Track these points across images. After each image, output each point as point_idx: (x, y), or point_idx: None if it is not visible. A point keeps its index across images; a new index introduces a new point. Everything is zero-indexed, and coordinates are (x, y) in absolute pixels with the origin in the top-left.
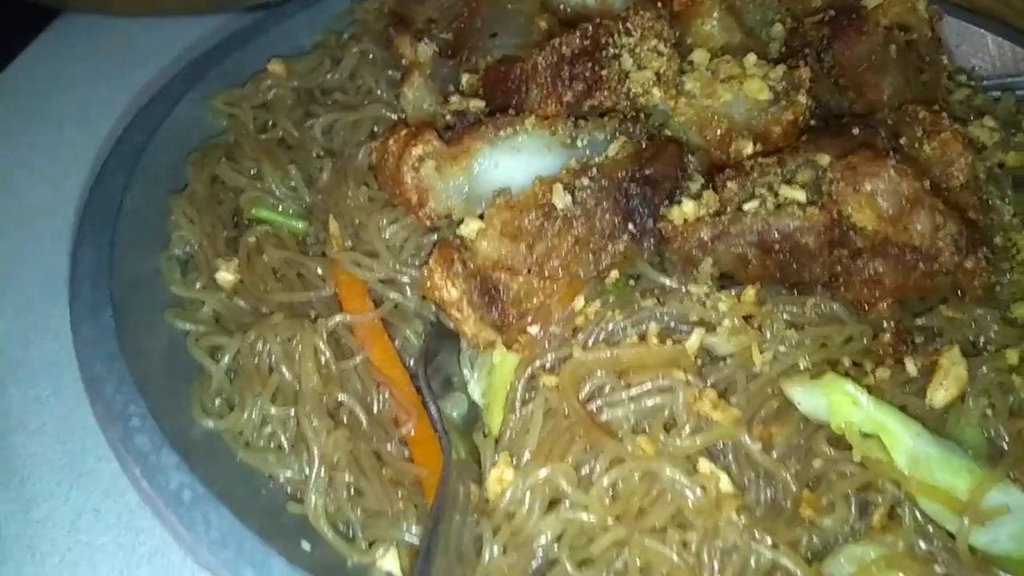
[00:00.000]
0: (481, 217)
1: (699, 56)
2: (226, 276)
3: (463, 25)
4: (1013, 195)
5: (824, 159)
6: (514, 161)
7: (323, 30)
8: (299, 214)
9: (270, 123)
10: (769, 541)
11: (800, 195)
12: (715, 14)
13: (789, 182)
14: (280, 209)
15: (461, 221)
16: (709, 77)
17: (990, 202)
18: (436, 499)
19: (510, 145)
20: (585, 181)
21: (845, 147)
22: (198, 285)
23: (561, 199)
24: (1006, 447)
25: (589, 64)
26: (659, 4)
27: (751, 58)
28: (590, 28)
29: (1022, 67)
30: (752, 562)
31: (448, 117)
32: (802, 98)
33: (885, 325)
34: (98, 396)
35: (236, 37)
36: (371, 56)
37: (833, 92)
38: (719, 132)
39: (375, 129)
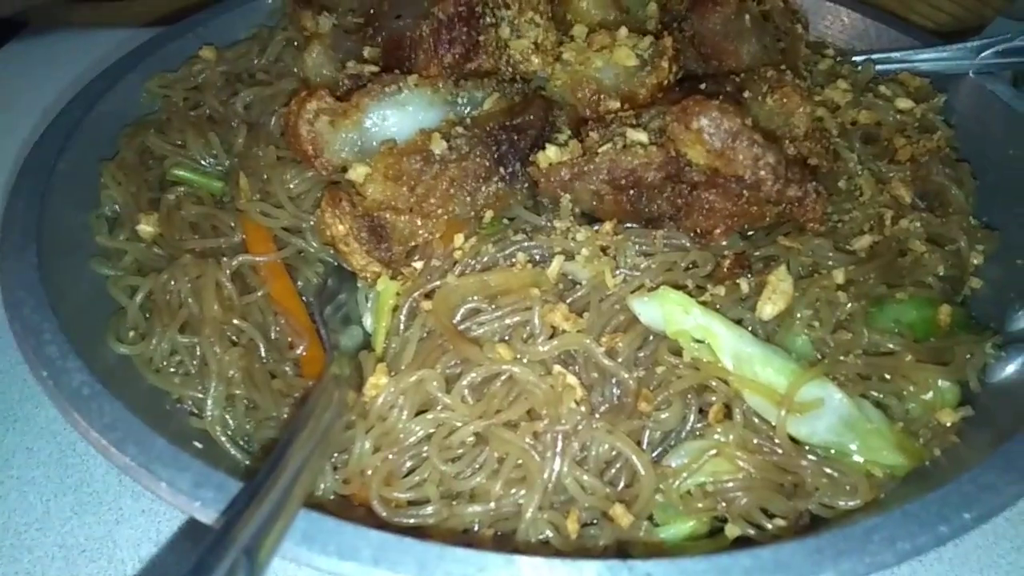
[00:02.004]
0: (368, 164)
1: (578, 31)
2: (146, 228)
3: (372, 11)
4: (861, 147)
5: (674, 110)
6: (400, 116)
7: (257, 25)
8: (215, 175)
9: (200, 103)
10: (601, 427)
11: (643, 136)
12: None
13: (636, 127)
14: (200, 170)
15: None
16: (583, 47)
17: (838, 152)
18: (308, 392)
19: (396, 101)
20: (460, 130)
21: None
22: (122, 237)
23: (438, 145)
24: (828, 353)
25: (465, 30)
26: None
27: (623, 31)
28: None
29: (883, 41)
30: (593, 449)
31: (346, 81)
32: (665, 63)
33: (726, 253)
34: (16, 315)
35: (177, 30)
36: (295, 43)
37: (698, 60)
38: (589, 93)
39: (285, 104)
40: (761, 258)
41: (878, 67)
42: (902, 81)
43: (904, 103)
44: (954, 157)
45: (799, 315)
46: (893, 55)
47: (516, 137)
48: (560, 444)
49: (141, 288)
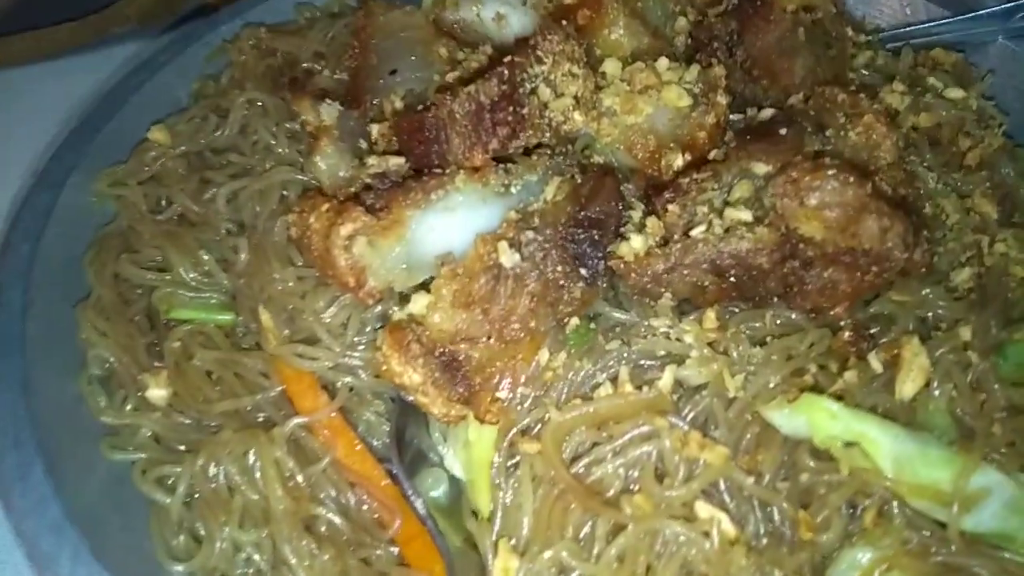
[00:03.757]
0: (427, 288)
1: (611, 67)
2: (157, 392)
3: (356, 62)
4: (932, 157)
5: (760, 168)
6: (450, 220)
7: (198, 76)
8: (221, 304)
9: (163, 200)
10: (778, 574)
11: (746, 215)
12: (620, 21)
13: (731, 203)
14: (199, 302)
15: (406, 295)
16: (626, 91)
17: (914, 171)
18: None
19: (443, 206)
20: (530, 234)
21: (779, 154)
22: (128, 407)
23: (508, 258)
24: (972, 424)
25: (510, 108)
26: (562, 22)
27: (663, 63)
28: (506, 72)
29: (908, 13)
30: None
31: (368, 180)
32: (721, 98)
33: (842, 323)
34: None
35: (108, 101)
36: (260, 104)
37: (747, 82)
38: (647, 150)
39: (285, 193)
40: (876, 319)
41: (899, 44)
42: (936, 60)
43: (954, 92)
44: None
45: (938, 389)
46: (913, 27)
47: (594, 232)
48: None
49: (180, 480)
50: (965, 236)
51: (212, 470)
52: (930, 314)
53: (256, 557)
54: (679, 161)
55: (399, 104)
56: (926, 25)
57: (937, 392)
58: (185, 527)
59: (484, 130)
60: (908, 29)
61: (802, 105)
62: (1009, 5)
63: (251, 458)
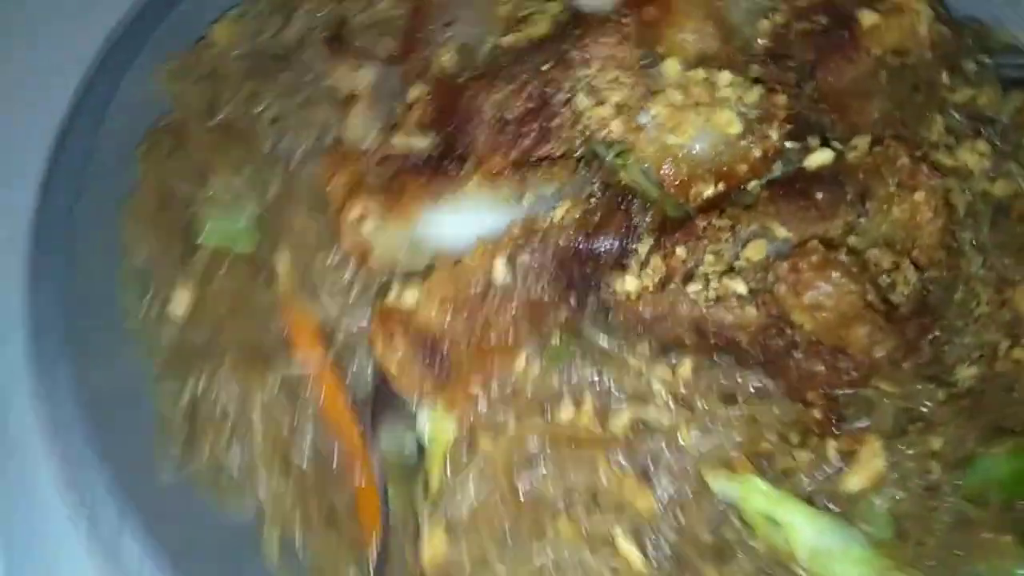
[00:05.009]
0: (422, 279)
1: (670, 68)
2: (177, 309)
3: (411, 21)
4: (990, 232)
5: (780, 232)
6: (457, 218)
7: None
8: (247, 229)
9: (216, 103)
10: None
11: (741, 288)
12: (690, 26)
13: (739, 259)
14: (227, 223)
15: (403, 279)
16: (676, 105)
17: (961, 248)
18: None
19: (452, 207)
20: (526, 257)
21: (805, 222)
22: (153, 313)
23: (501, 274)
24: (909, 529)
25: (536, 125)
26: (622, 21)
27: (725, 77)
28: (534, 89)
29: None
30: None
31: (388, 159)
32: (773, 133)
33: (812, 399)
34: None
35: None
36: (315, 30)
37: (813, 110)
38: (681, 176)
39: (318, 139)
40: (853, 401)
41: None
42: None
43: None
44: None
45: (886, 493)
46: None
47: (593, 265)
48: None
49: (182, 396)
50: (988, 332)
51: (211, 395)
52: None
53: (236, 477)
54: (709, 191)
55: (448, 61)
56: None
57: (882, 494)
58: (183, 438)
59: (507, 139)
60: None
61: (861, 154)
62: None
63: (245, 390)
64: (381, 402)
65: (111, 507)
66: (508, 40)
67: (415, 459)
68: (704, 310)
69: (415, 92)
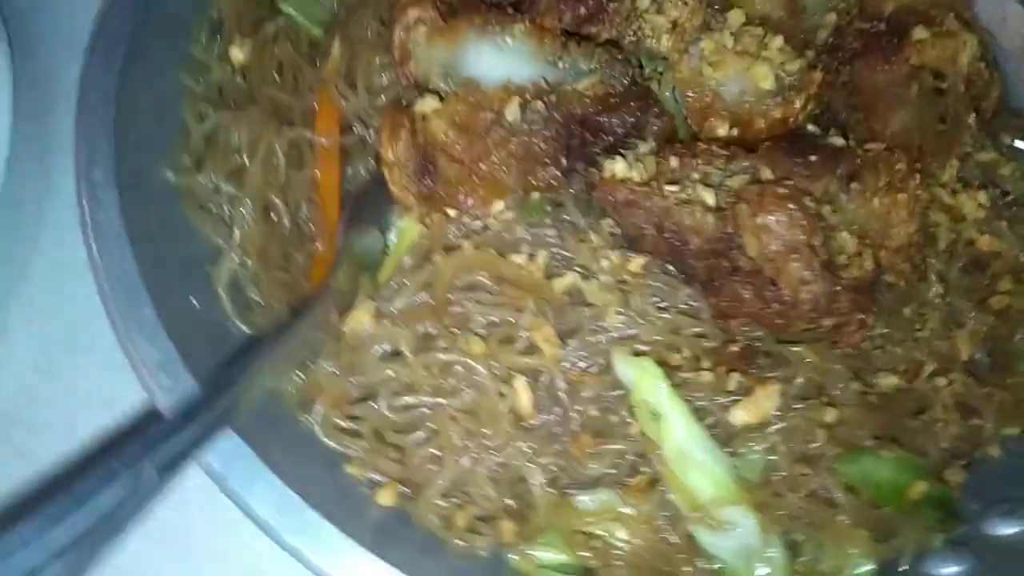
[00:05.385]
0: (442, 99)
1: (734, 16)
2: (238, 55)
3: None
4: (958, 274)
5: (766, 173)
6: (496, 57)
7: None
8: (321, 19)
9: None
10: (523, 450)
11: (711, 199)
12: None
13: (708, 184)
14: (308, 8)
15: (425, 91)
16: (726, 46)
17: (927, 273)
18: (302, 303)
19: (496, 42)
20: (539, 105)
21: (789, 175)
22: (215, 53)
23: (512, 113)
24: (774, 480)
25: None
26: None
27: (778, 41)
28: None
29: None
30: (510, 465)
31: None
32: (798, 102)
33: (739, 337)
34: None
35: None
36: None
37: (845, 107)
38: (701, 104)
39: None
40: (771, 356)
41: None
42: None
43: None
44: None
45: (768, 438)
46: None
47: (592, 137)
48: (480, 452)
49: (208, 120)
50: (919, 353)
51: (231, 130)
52: (822, 388)
53: (224, 205)
54: (722, 131)
55: None
56: None
57: (764, 437)
58: (195, 156)
59: (566, 2)
60: None
61: (870, 155)
62: None
63: (259, 134)
64: (367, 198)
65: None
66: None
67: (374, 256)
68: (670, 206)
69: None
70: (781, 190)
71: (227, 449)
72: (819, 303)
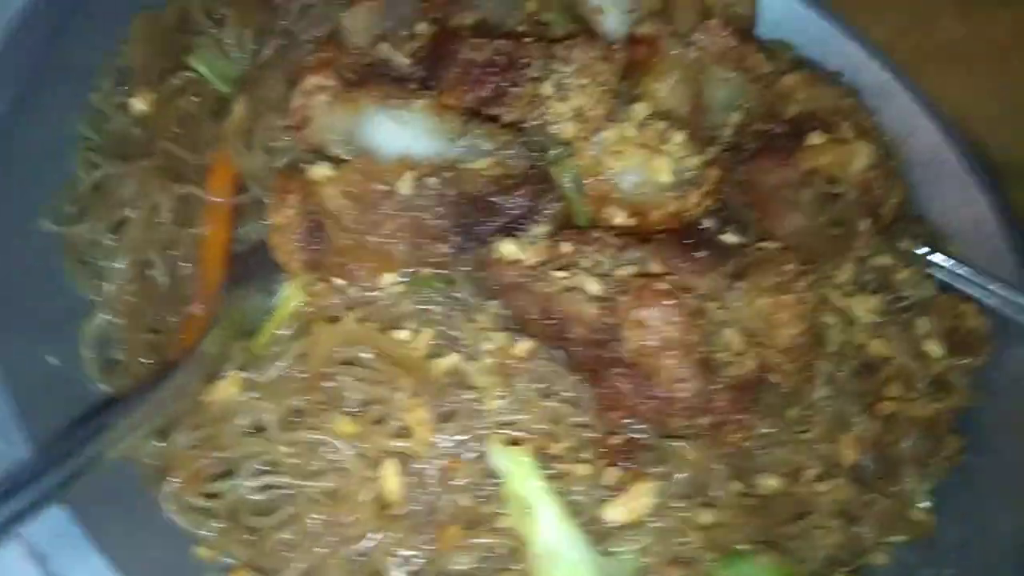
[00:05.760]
0: (337, 167)
1: (639, 109)
2: (139, 105)
3: None
4: (848, 378)
5: (655, 265)
6: (396, 130)
7: None
8: (230, 77)
9: None
10: (384, 541)
11: (596, 289)
12: (670, 80)
13: (595, 273)
14: (217, 64)
15: (321, 157)
16: (628, 138)
17: (815, 374)
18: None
19: (396, 116)
20: (433, 181)
21: (677, 270)
22: (117, 101)
23: (406, 187)
24: None
25: (497, 79)
26: (615, 46)
27: (680, 136)
28: (506, 49)
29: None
30: (369, 556)
31: (370, 65)
32: (694, 198)
33: (620, 432)
34: None
35: None
36: None
37: (742, 203)
38: (602, 192)
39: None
40: (653, 450)
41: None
42: (958, 315)
43: (935, 349)
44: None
45: (640, 537)
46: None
47: (484, 217)
48: (336, 541)
49: (99, 170)
50: (802, 456)
51: (120, 182)
52: (701, 487)
53: (99, 258)
54: (619, 219)
55: (466, 22)
56: (988, 280)
57: (638, 538)
58: (80, 205)
59: (469, 82)
60: (961, 269)
61: (760, 255)
62: None
63: (146, 189)
64: (255, 261)
65: None
66: (521, 30)
67: (255, 323)
68: (555, 292)
69: (421, 27)
70: (662, 285)
71: (53, 525)
72: (695, 401)
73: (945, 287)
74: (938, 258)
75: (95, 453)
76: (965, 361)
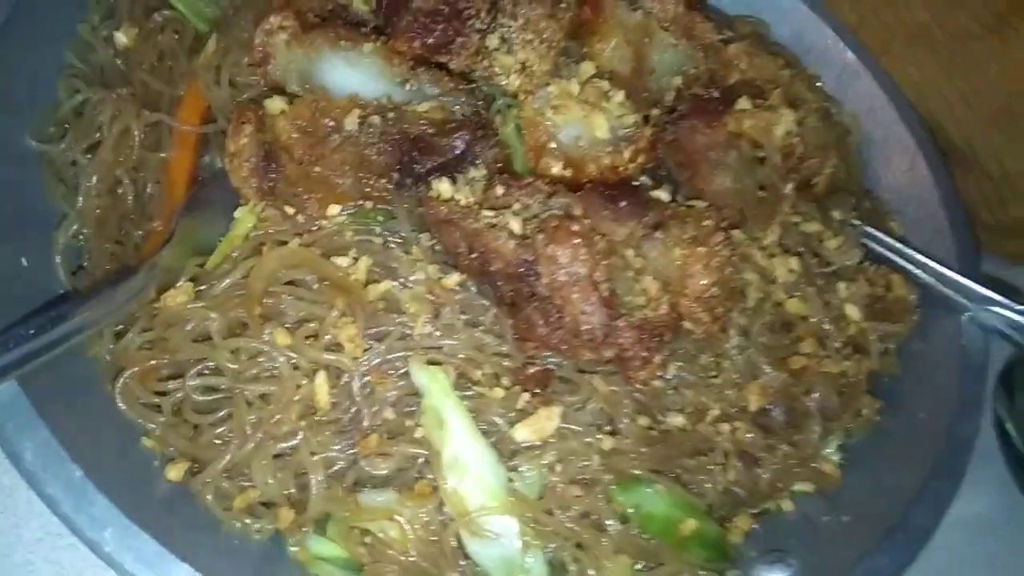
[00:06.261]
0: (291, 101)
1: (584, 68)
2: (122, 39)
3: None
4: (761, 330)
5: (577, 211)
6: (348, 70)
7: None
8: (208, 17)
9: None
10: (309, 441)
11: (517, 227)
12: (613, 41)
13: (522, 216)
14: (197, 4)
15: (278, 93)
16: (570, 93)
17: (728, 325)
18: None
19: (349, 58)
20: (376, 119)
21: (597, 217)
22: (103, 34)
23: (351, 124)
24: (546, 493)
25: (443, 26)
26: (562, 3)
27: (619, 95)
28: None
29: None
30: (297, 455)
31: (331, 10)
32: (627, 154)
33: (538, 362)
34: None
35: None
36: None
37: (675, 162)
38: (539, 142)
39: None
40: (566, 381)
41: (874, 246)
42: (887, 284)
43: (853, 312)
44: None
45: (545, 456)
46: (901, 246)
47: (423, 156)
48: (265, 438)
49: (82, 93)
50: (708, 398)
51: (100, 106)
52: (609, 416)
53: (78, 173)
54: (556, 170)
55: None
56: (920, 255)
57: (541, 455)
58: (61, 124)
59: (413, 29)
60: (893, 242)
61: (681, 210)
62: (999, 298)
63: (120, 112)
64: (215, 186)
65: None
66: None
67: (211, 243)
68: (480, 228)
69: None
70: (575, 227)
71: (5, 397)
72: (596, 333)
73: (879, 259)
74: (872, 231)
75: (51, 340)
76: (886, 327)
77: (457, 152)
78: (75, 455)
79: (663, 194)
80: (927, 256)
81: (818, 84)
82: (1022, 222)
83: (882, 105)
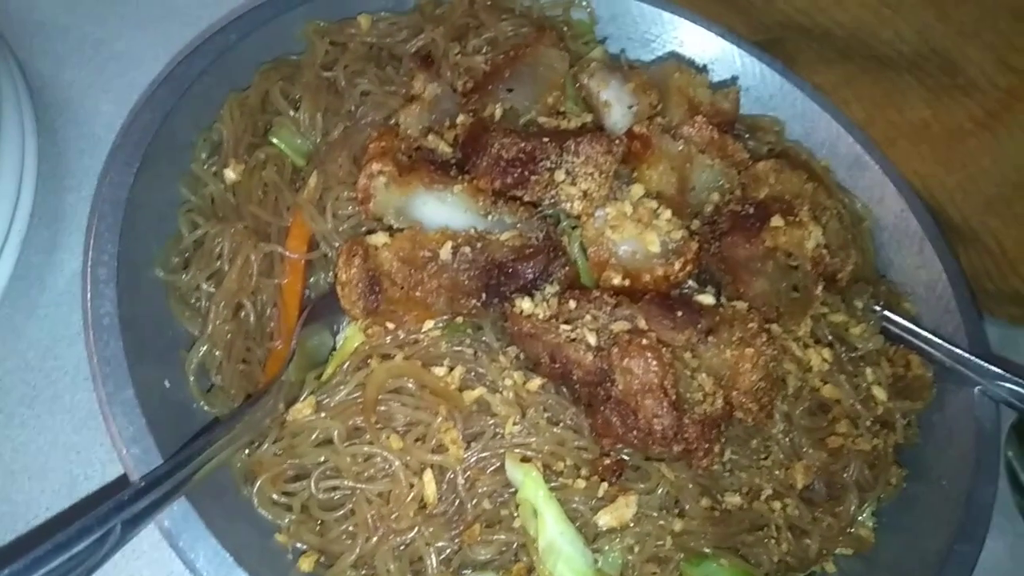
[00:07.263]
0: (391, 235)
1: (635, 191)
2: (230, 175)
3: (495, 65)
4: (802, 415)
5: (641, 323)
6: (438, 208)
7: None
8: (304, 152)
9: (335, 64)
10: (423, 534)
11: (593, 340)
12: (660, 167)
13: (593, 328)
14: (293, 141)
15: (379, 226)
16: (625, 214)
17: (773, 412)
18: (257, 393)
19: (440, 196)
20: (467, 250)
21: (659, 327)
22: (212, 170)
23: (446, 254)
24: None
25: (520, 170)
26: (616, 140)
27: (667, 213)
28: (528, 147)
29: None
30: (411, 547)
31: (419, 149)
32: (677, 265)
33: (612, 453)
34: (92, 224)
35: None
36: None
37: (717, 269)
38: (601, 259)
39: (384, 118)
40: (637, 469)
41: (893, 328)
42: (906, 364)
43: (880, 394)
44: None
45: (625, 539)
46: (916, 328)
47: (507, 280)
48: (387, 532)
49: (201, 228)
50: (761, 479)
51: (218, 239)
52: (677, 500)
53: (202, 301)
54: (616, 280)
55: (495, 112)
56: (933, 336)
57: (622, 538)
58: (184, 256)
59: (497, 171)
60: (909, 324)
61: (729, 314)
62: (1005, 374)
63: (239, 246)
64: (323, 306)
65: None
66: (543, 120)
67: (323, 357)
68: (560, 342)
69: (461, 118)
70: (644, 341)
71: (179, 513)
72: (667, 433)
73: (897, 339)
74: (890, 315)
75: (205, 460)
76: (908, 404)
77: (536, 274)
78: (238, 559)
79: (708, 298)
80: (939, 336)
81: (831, 174)
82: (1021, 293)
83: (890, 194)
